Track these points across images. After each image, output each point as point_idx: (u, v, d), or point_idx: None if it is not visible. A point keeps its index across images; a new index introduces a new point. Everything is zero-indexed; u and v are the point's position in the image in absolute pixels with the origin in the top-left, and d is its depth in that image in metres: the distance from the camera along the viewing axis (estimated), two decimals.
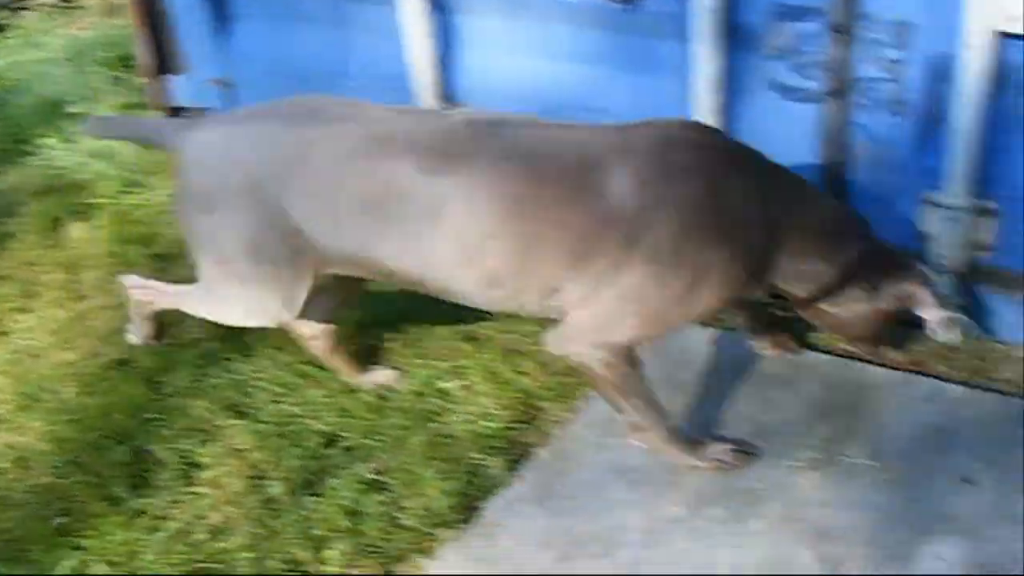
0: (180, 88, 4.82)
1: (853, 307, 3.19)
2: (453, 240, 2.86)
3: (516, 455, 3.27)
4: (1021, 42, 3.13)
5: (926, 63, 3.31)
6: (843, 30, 3.53)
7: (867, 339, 3.36)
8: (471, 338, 3.76)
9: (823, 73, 3.46)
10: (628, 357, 2.98)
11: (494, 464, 3.29)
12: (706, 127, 3.11)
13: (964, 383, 3.46)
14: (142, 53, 4.72)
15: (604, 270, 2.84)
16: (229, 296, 3.16)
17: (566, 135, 2.94)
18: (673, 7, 3.58)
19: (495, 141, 2.88)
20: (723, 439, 3.21)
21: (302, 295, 3.12)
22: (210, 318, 3.31)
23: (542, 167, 2.86)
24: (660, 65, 3.74)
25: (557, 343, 3.00)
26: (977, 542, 2.91)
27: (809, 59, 3.48)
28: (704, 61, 3.56)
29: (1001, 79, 3.22)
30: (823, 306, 3.17)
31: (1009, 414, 3.33)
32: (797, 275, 3.07)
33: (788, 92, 3.59)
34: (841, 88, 3.54)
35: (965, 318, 3.19)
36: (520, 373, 3.61)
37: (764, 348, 3.58)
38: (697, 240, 2.85)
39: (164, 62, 4.76)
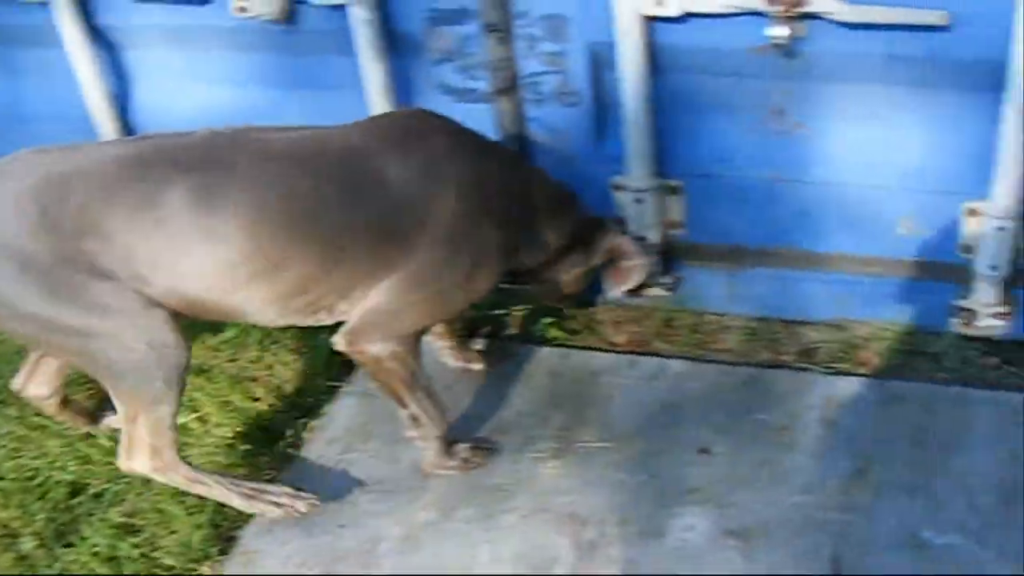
0: None
1: (572, 270, 3.31)
2: (244, 257, 2.77)
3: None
4: (669, 24, 3.30)
5: (586, 52, 3.35)
6: (499, 29, 3.48)
7: (572, 294, 3.47)
8: (199, 371, 3.67)
9: (488, 72, 3.45)
10: (415, 348, 2.98)
11: None
12: (438, 115, 3.12)
13: (685, 357, 3.60)
14: None
15: (395, 261, 2.82)
16: None
17: (320, 135, 2.93)
18: (332, 23, 3.60)
19: (252, 148, 2.82)
20: (457, 441, 3.21)
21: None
22: None
23: (316, 168, 2.83)
24: (332, 80, 3.70)
25: (349, 341, 2.94)
26: (723, 508, 3.06)
27: (473, 60, 3.46)
28: (371, 72, 3.52)
29: (657, 62, 3.37)
30: (547, 273, 3.23)
31: (732, 383, 3.50)
32: (532, 246, 3.15)
33: (458, 94, 3.56)
34: (508, 85, 3.55)
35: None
36: (253, 400, 3.59)
37: (450, 358, 3.57)
38: (474, 221, 2.88)
39: None
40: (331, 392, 3.59)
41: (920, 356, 3.53)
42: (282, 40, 3.63)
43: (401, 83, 3.56)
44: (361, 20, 3.42)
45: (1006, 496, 3.23)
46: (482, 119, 3.46)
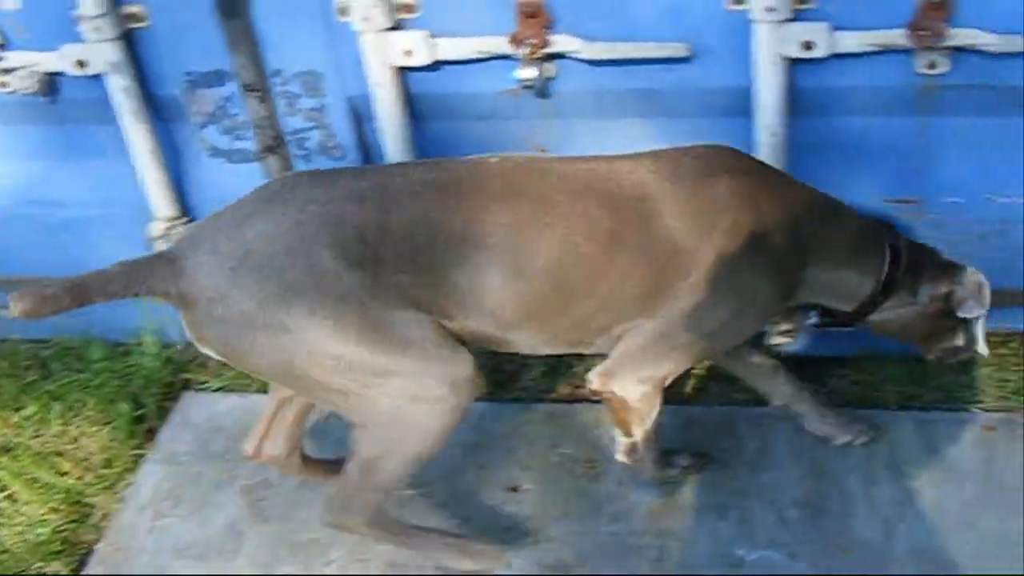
0: None
1: (900, 314, 3.06)
2: (544, 296, 2.72)
3: (77, 556, 3.19)
4: (421, 73, 3.31)
5: (345, 106, 3.32)
6: (256, 88, 3.41)
7: (922, 340, 3.25)
8: (4, 449, 3.58)
9: (253, 132, 3.39)
10: (662, 391, 2.87)
11: (57, 569, 3.22)
12: (735, 152, 2.93)
13: (488, 399, 3.52)
14: None
15: (658, 304, 2.72)
16: None
17: (614, 168, 2.82)
18: (92, 92, 3.53)
19: (554, 180, 2.78)
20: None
21: None
22: None
23: (615, 206, 2.73)
24: (101, 148, 3.61)
25: (602, 381, 2.84)
26: (539, 544, 3.13)
27: (236, 121, 3.39)
28: (136, 138, 3.45)
29: (414, 110, 3.40)
30: (873, 317, 3.05)
31: (531, 419, 3.55)
32: (834, 290, 2.99)
33: (226, 155, 3.49)
34: (274, 143, 3.48)
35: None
36: (61, 474, 3.51)
37: None
38: (741, 269, 2.75)
39: None
40: (136, 460, 3.52)
41: (715, 380, 3.58)
42: (48, 110, 3.52)
43: (168, 146, 3.52)
44: (119, 88, 3.33)
45: (812, 509, 3.29)
46: (254, 178, 3.47)
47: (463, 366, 2.66)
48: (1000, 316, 3.43)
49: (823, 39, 3.01)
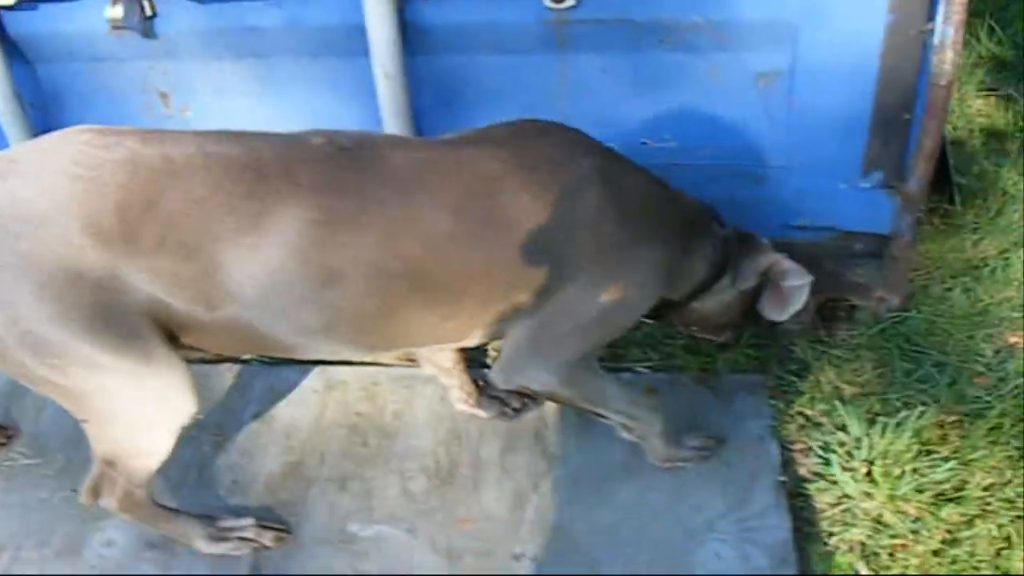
0: None
1: (720, 297, 2.95)
2: (358, 303, 2.45)
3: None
4: (12, 13, 3.08)
5: None
6: None
7: (728, 324, 3.10)
8: None
9: None
10: (587, 370, 2.75)
11: None
12: (575, 132, 2.73)
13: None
14: None
15: (534, 295, 2.56)
16: None
17: (452, 156, 2.53)
18: None
19: (380, 169, 2.42)
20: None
21: None
22: None
23: (453, 203, 2.47)
24: None
25: (505, 378, 2.71)
26: None
27: None
28: None
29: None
30: (695, 304, 2.93)
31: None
32: (680, 275, 2.83)
33: None
34: None
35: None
36: None
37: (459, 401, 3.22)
38: (619, 247, 2.62)
39: None
40: None
41: None
42: None
43: None
44: None
45: (441, 478, 3.10)
46: None
47: (180, 378, 2.49)
48: None
49: None
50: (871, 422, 2.99)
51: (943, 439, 2.97)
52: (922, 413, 2.98)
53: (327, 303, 2.48)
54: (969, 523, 2.78)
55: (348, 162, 2.42)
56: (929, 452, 2.92)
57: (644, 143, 3.16)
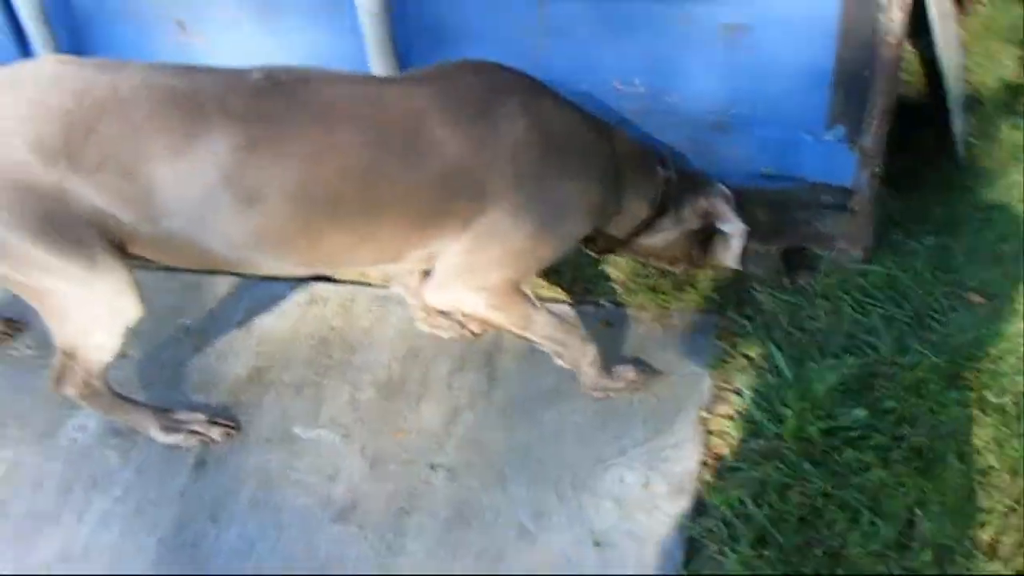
0: None
1: (664, 235, 3.12)
2: (280, 218, 2.66)
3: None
4: None
5: None
6: None
7: (680, 260, 3.27)
8: None
9: None
10: (514, 296, 2.91)
11: None
12: (507, 69, 2.88)
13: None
14: None
15: (459, 222, 2.74)
16: None
17: (382, 93, 2.73)
18: None
19: (309, 102, 2.65)
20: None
21: None
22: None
23: (376, 136, 2.68)
24: None
25: (434, 295, 2.91)
26: None
27: None
28: None
29: None
30: (641, 240, 3.10)
31: (170, 288, 3.71)
32: (614, 214, 2.99)
33: None
34: None
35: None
36: None
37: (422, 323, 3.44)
38: (540, 181, 2.78)
39: None
40: None
41: None
42: None
43: None
44: None
45: (389, 391, 3.31)
46: None
47: (124, 283, 2.78)
48: None
49: None
50: (800, 365, 3.07)
51: (869, 387, 3.04)
52: (853, 362, 3.06)
53: (250, 221, 2.69)
54: (865, 468, 2.85)
55: (280, 95, 2.62)
56: (850, 399, 3.00)
57: (615, 87, 3.27)
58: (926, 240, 3.48)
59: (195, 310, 3.58)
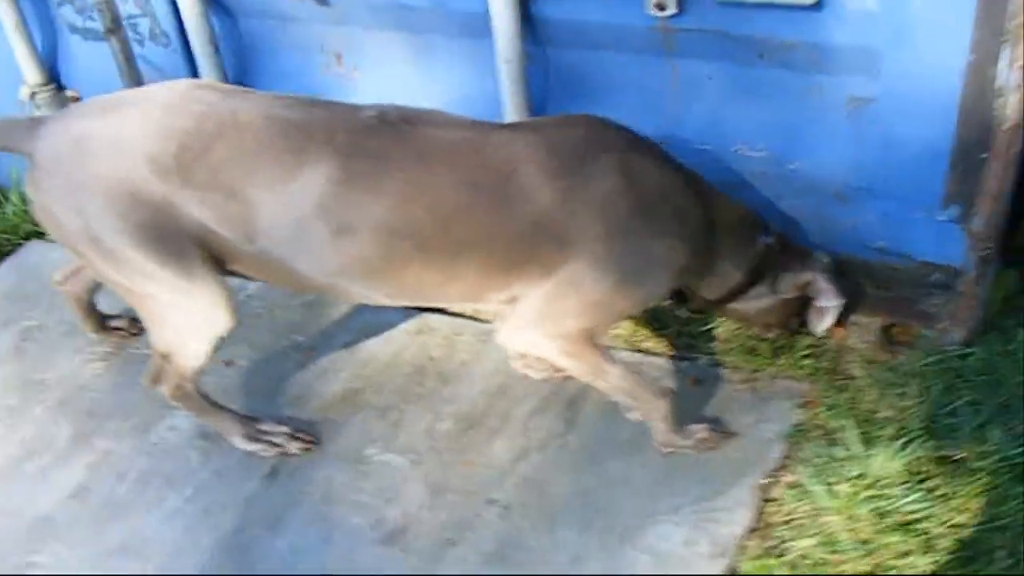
0: None
1: (758, 303, 3.15)
2: (369, 251, 2.80)
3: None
4: None
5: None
6: None
7: (775, 325, 3.31)
8: None
9: (100, 14, 3.72)
10: (588, 346, 2.96)
11: None
12: (612, 125, 2.96)
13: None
14: None
15: (542, 269, 2.81)
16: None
17: (484, 140, 2.83)
18: None
19: (412, 142, 2.77)
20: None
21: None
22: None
23: (470, 181, 2.78)
24: None
25: (507, 339, 2.99)
26: None
27: (86, 2, 3.71)
28: (3, 13, 3.82)
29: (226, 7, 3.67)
30: (733, 305, 3.15)
31: (288, 303, 3.85)
32: (706, 276, 3.04)
33: (81, 33, 3.80)
34: (114, 26, 3.81)
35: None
36: None
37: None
38: (627, 238, 2.84)
39: None
40: None
41: None
42: None
43: (33, 22, 3.88)
44: None
45: (468, 424, 3.38)
46: (107, 54, 3.79)
47: (219, 296, 2.92)
48: None
49: None
50: (872, 443, 3.00)
51: (934, 471, 2.96)
52: (927, 444, 2.98)
53: (340, 251, 2.82)
54: (906, 554, 2.76)
55: (386, 133, 2.74)
56: (914, 481, 2.93)
57: (737, 150, 3.27)
58: None
59: (310, 328, 3.72)
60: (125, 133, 2.68)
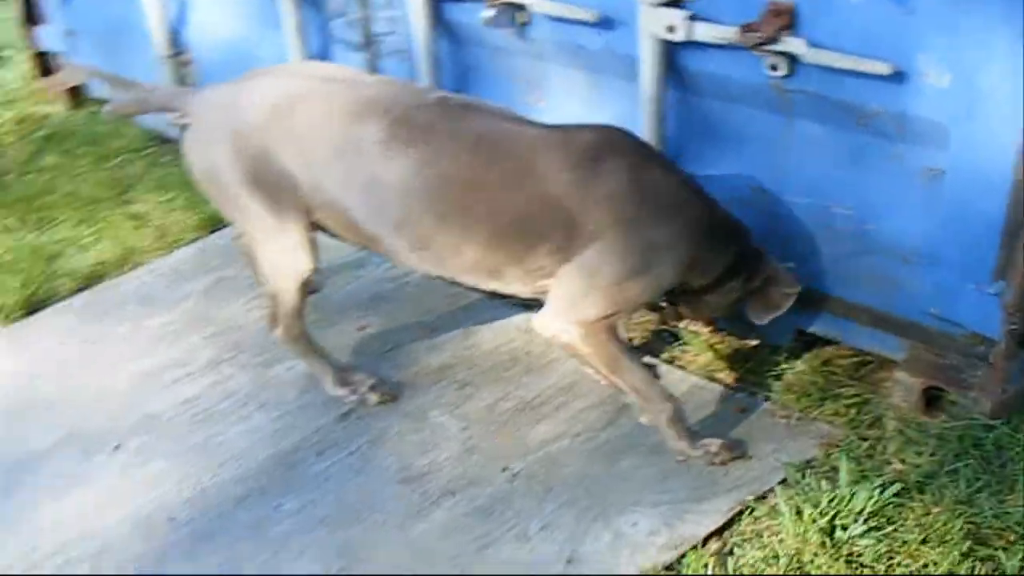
0: (44, 35, 5.79)
1: (729, 294, 3.37)
2: (396, 203, 3.13)
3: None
4: (451, 4, 4.02)
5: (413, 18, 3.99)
6: None
7: (723, 314, 3.59)
8: None
9: (358, 29, 4.18)
10: (607, 335, 3.16)
11: None
12: (627, 135, 3.25)
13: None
14: (16, 6, 5.73)
15: (556, 252, 3.06)
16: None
17: (516, 132, 3.12)
18: None
19: (455, 121, 3.13)
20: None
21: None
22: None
23: (489, 158, 3.08)
24: (269, 20, 4.51)
25: (540, 325, 3.22)
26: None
27: (350, 19, 4.21)
28: (287, 20, 4.40)
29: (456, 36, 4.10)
30: (705, 295, 3.36)
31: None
32: (702, 268, 3.26)
33: (345, 44, 4.32)
34: (367, 41, 4.23)
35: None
36: None
37: None
38: (635, 229, 3.07)
39: (32, 14, 5.73)
40: None
41: None
42: None
43: (309, 32, 4.43)
44: None
45: (524, 408, 3.74)
46: (358, 64, 4.20)
47: (302, 239, 3.37)
48: (814, 321, 3.70)
49: (682, 25, 3.38)
50: (857, 484, 3.13)
51: (904, 523, 3.06)
52: (906, 495, 3.10)
53: (369, 200, 3.19)
54: None
55: (437, 111, 3.16)
56: (878, 524, 3.04)
57: (829, 206, 3.48)
58: None
59: (441, 312, 4.13)
60: (249, 95, 3.23)
